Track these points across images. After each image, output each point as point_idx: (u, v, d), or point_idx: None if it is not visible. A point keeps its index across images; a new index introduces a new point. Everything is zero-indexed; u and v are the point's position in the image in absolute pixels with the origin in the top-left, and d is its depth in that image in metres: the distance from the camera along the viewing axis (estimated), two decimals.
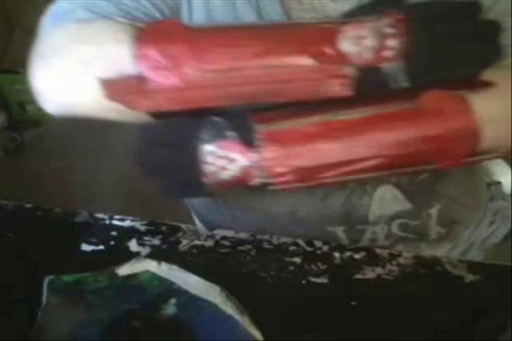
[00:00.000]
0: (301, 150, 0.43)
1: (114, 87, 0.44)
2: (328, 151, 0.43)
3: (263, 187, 0.45)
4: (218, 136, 0.43)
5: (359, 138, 0.43)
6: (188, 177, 0.45)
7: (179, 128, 0.45)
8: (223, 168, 0.43)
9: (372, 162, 0.44)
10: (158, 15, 0.52)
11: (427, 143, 0.43)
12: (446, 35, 0.41)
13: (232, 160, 0.43)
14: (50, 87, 0.50)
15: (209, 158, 0.43)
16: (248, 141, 0.43)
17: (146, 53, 0.42)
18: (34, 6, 2.20)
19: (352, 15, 0.44)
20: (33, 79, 0.50)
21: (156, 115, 0.46)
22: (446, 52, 0.41)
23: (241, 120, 0.44)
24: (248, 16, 0.53)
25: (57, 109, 0.52)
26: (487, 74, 0.43)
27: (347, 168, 0.44)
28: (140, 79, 0.43)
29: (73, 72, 0.47)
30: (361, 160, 0.43)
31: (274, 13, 0.53)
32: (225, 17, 0.53)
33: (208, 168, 0.43)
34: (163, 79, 0.43)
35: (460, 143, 0.44)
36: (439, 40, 0.41)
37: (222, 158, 0.43)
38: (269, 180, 0.44)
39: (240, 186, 0.45)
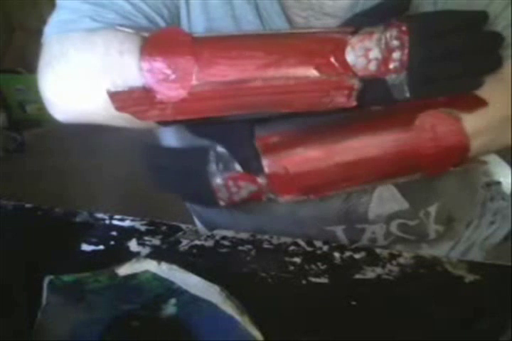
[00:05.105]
0: (306, 173, 0.46)
1: (123, 99, 0.45)
2: (331, 173, 0.46)
3: (271, 202, 0.49)
4: (226, 169, 0.46)
5: (360, 160, 0.46)
6: (202, 197, 0.49)
7: (187, 159, 0.48)
8: (234, 193, 0.47)
9: (372, 177, 0.47)
10: (158, 18, 0.52)
11: (422, 159, 0.46)
12: (444, 48, 0.42)
13: (241, 188, 0.46)
14: (60, 96, 0.51)
15: (219, 188, 0.46)
16: (255, 171, 0.45)
17: (153, 66, 0.43)
18: (34, 6, 2.21)
19: (355, 22, 0.44)
20: (42, 88, 0.51)
21: (163, 123, 0.47)
22: (444, 64, 0.42)
23: (246, 150, 0.46)
24: (246, 15, 0.53)
25: (67, 117, 0.53)
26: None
27: (348, 183, 0.47)
28: (147, 91, 0.44)
29: (82, 83, 0.48)
30: (360, 175, 0.47)
31: (272, 12, 0.53)
32: (223, 16, 0.53)
33: (219, 194, 0.47)
34: (170, 91, 0.43)
35: (451, 157, 0.47)
36: (440, 52, 0.42)
37: (232, 187, 0.46)
38: (277, 198, 0.48)
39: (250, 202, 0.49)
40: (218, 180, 0.46)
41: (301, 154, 0.46)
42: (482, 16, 0.42)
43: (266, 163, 0.45)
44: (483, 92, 0.45)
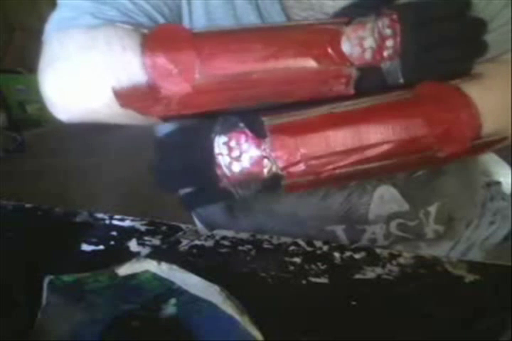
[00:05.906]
0: (310, 138, 0.44)
1: (127, 96, 0.45)
2: (336, 138, 0.43)
3: (275, 183, 0.45)
4: (231, 127, 0.44)
5: (365, 124, 0.44)
6: (203, 178, 0.45)
7: (195, 128, 0.46)
8: (236, 159, 0.44)
9: (382, 148, 0.44)
10: (159, 17, 0.52)
11: (431, 125, 0.44)
12: (435, 35, 0.43)
13: (244, 151, 0.44)
14: (62, 95, 0.50)
15: (222, 149, 0.44)
16: (259, 132, 0.44)
17: (155, 61, 0.43)
18: (34, 6, 2.21)
19: (346, 13, 0.45)
20: (43, 88, 0.50)
21: (167, 119, 0.47)
22: (435, 50, 0.43)
23: (251, 115, 0.45)
24: (247, 15, 0.53)
25: (70, 116, 0.52)
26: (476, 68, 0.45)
27: (357, 156, 0.44)
28: (151, 86, 0.44)
29: (84, 80, 0.48)
30: (370, 146, 0.43)
31: (273, 12, 0.53)
32: (225, 16, 0.53)
33: (221, 160, 0.44)
34: (173, 85, 0.44)
35: (463, 126, 0.44)
36: (429, 39, 0.43)
37: (235, 149, 0.44)
38: (281, 172, 0.44)
39: (252, 181, 0.45)
40: (222, 138, 0.44)
41: (303, 118, 0.44)
42: (467, 4, 0.43)
43: (269, 127, 0.44)
44: (484, 75, 0.46)
